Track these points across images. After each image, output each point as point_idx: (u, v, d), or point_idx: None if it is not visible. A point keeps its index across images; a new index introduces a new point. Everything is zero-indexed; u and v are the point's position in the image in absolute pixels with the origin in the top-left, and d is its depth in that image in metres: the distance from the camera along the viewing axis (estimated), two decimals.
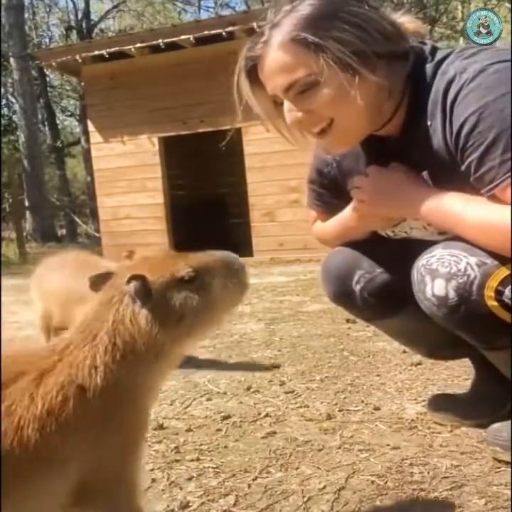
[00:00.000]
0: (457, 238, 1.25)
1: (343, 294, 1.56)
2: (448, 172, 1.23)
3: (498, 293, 1.16)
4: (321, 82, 1.18)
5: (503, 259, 1.17)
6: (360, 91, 1.18)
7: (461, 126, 1.14)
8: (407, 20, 1.28)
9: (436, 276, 1.21)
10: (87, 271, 2.24)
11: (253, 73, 1.26)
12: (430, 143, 1.23)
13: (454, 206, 1.19)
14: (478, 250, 1.19)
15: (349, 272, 1.52)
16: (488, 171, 1.12)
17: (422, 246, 1.33)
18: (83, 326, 0.98)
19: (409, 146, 1.29)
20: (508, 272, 1.16)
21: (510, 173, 1.08)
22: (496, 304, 1.17)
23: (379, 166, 1.33)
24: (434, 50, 1.27)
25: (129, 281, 0.94)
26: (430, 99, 1.22)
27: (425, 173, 1.29)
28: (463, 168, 1.17)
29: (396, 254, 1.46)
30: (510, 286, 1.16)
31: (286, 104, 1.24)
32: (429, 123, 1.22)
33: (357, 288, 1.51)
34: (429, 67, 1.24)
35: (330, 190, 1.54)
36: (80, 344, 0.94)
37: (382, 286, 1.48)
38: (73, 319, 2.29)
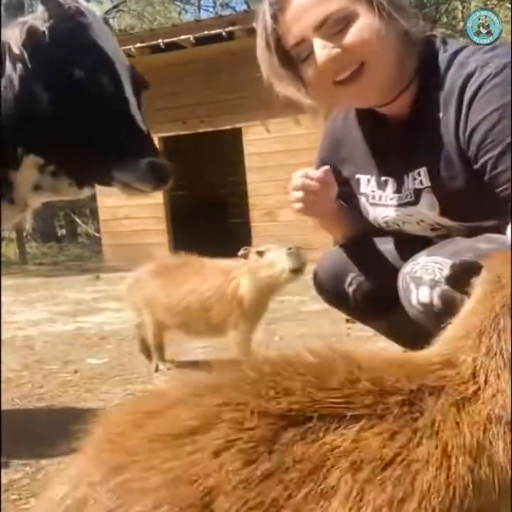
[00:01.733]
0: (443, 244, 1.24)
1: (336, 297, 1.56)
2: (450, 170, 1.22)
3: None
4: (356, 18, 1.14)
5: None
6: (392, 39, 1.16)
7: (481, 122, 1.12)
8: None
9: (421, 283, 1.20)
10: (190, 275, 2.28)
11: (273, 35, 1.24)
12: (438, 136, 1.21)
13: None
14: (462, 256, 1.14)
15: (341, 274, 1.52)
16: (505, 170, 1.10)
17: (414, 247, 1.33)
18: (473, 334, 0.76)
19: (413, 136, 1.27)
20: None
21: None
22: None
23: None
24: (445, 41, 1.24)
25: None
26: (444, 90, 1.18)
27: (423, 170, 1.27)
28: (476, 166, 1.15)
29: (388, 256, 1.46)
30: None
31: (319, 42, 1.17)
32: (440, 115, 1.19)
33: (350, 290, 1.51)
34: (443, 56, 1.20)
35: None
36: (488, 364, 0.71)
37: (374, 289, 1.47)
38: (185, 326, 2.32)
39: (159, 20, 18.86)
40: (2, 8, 12.80)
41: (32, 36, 1.43)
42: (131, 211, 7.56)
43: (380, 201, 1.40)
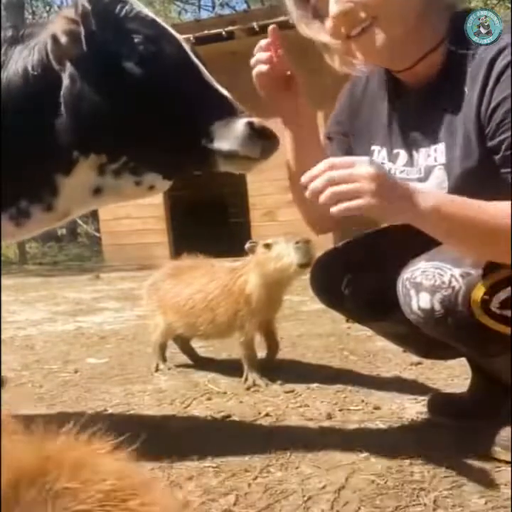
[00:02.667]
0: (441, 249, 1.23)
1: (333, 298, 1.56)
2: (466, 149, 1.19)
3: (485, 302, 1.14)
4: None
5: (489, 269, 1.15)
6: None
7: (505, 99, 1.10)
8: None
9: (421, 289, 1.20)
10: (205, 277, 2.26)
11: None
12: (460, 112, 1.19)
13: (466, 199, 1.08)
14: (462, 261, 1.17)
15: (338, 275, 1.51)
16: None
17: (412, 249, 1.33)
18: None
19: (434, 110, 1.24)
20: (493, 282, 1.14)
21: None
22: (483, 313, 1.15)
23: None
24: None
25: None
26: (473, 64, 1.16)
27: (441, 146, 1.24)
28: (492, 142, 1.14)
29: (386, 257, 1.45)
30: (496, 295, 1.14)
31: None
32: (465, 90, 1.17)
33: (346, 291, 1.50)
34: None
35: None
36: None
37: (370, 290, 1.47)
38: (199, 329, 2.29)
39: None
40: (2, 7, 12.80)
41: (72, 24, 1.28)
42: (131, 211, 7.55)
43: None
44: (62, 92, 1.30)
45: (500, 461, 1.37)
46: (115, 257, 7.60)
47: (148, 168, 1.36)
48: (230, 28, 6.45)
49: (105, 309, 4.16)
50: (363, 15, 1.18)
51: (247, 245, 2.13)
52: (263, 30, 6.49)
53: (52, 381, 2.32)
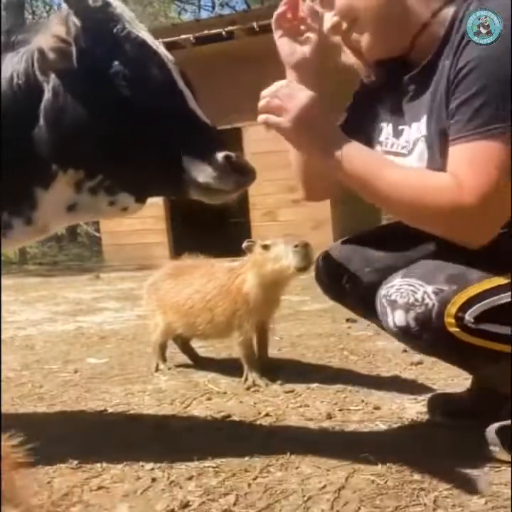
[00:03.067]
0: (419, 264, 1.25)
1: (335, 292, 1.58)
2: (440, 121, 1.21)
3: (459, 319, 1.15)
4: None
5: (462, 285, 1.16)
6: None
7: (461, 68, 1.12)
8: None
9: (396, 307, 1.21)
10: (204, 277, 2.26)
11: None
12: (439, 83, 1.20)
13: (380, 160, 1.21)
14: (435, 278, 1.18)
15: (339, 270, 1.53)
16: (457, 122, 1.12)
17: (412, 248, 1.33)
18: None
19: (424, 83, 1.26)
20: (467, 297, 1.15)
21: (473, 130, 1.09)
22: (458, 329, 1.16)
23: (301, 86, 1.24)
24: None
25: None
26: (455, 36, 1.17)
27: (424, 118, 1.26)
28: (448, 110, 1.16)
29: (386, 254, 1.46)
30: (470, 311, 1.15)
31: (326, 15, 1.28)
32: (446, 61, 1.18)
33: (347, 286, 1.52)
34: (471, 2, 1.17)
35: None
36: None
37: (369, 286, 1.48)
38: (198, 329, 2.28)
39: (159, 19, 18.85)
40: (2, 6, 12.80)
41: (62, 43, 1.28)
42: None
43: (392, 149, 1.37)
44: (43, 104, 1.30)
45: (500, 461, 1.37)
46: (115, 257, 7.60)
47: (122, 188, 1.36)
48: (230, 28, 6.45)
49: (105, 309, 4.16)
50: (346, 21, 1.25)
51: (245, 244, 2.12)
52: (263, 30, 6.51)
53: (52, 381, 2.32)
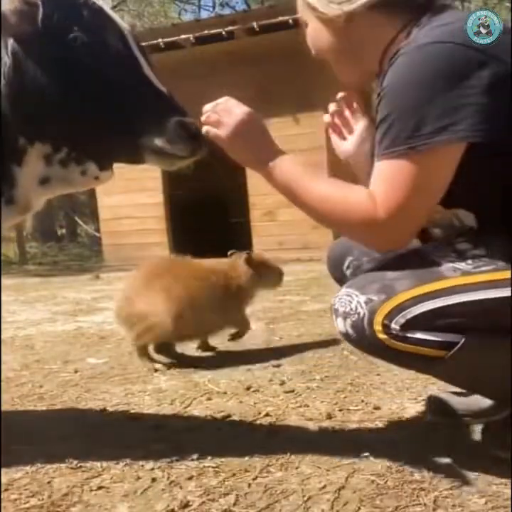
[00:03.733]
0: (364, 275, 1.31)
1: (338, 278, 1.66)
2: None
3: (386, 327, 1.20)
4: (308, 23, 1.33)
5: (389, 295, 1.21)
6: (330, 31, 1.29)
7: (379, 93, 1.19)
8: None
9: (337, 315, 1.27)
10: (192, 276, 2.40)
11: None
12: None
13: (310, 174, 1.29)
14: (369, 288, 1.24)
15: (342, 257, 1.62)
16: (377, 142, 1.20)
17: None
18: None
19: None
20: (391, 307, 1.20)
21: (381, 153, 1.17)
22: (386, 337, 1.21)
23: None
24: (442, 7, 1.23)
25: None
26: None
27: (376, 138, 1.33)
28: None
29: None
30: (396, 319, 1.19)
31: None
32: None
33: (347, 273, 1.59)
34: (417, 28, 1.22)
35: None
36: None
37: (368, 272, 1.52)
38: (204, 326, 2.46)
39: (159, 19, 18.84)
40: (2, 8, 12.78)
41: (25, 5, 1.27)
42: (132, 211, 7.56)
43: None
44: (2, 70, 1.29)
45: (500, 460, 1.37)
46: (115, 257, 7.60)
47: (87, 157, 1.38)
48: (230, 28, 6.45)
49: (105, 309, 4.16)
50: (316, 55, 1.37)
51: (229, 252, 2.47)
52: (263, 30, 6.51)
53: (52, 381, 2.32)
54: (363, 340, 1.24)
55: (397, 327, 1.19)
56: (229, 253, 2.53)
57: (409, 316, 1.19)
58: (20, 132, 1.34)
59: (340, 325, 1.27)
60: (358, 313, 1.23)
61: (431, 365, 1.23)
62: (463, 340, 1.18)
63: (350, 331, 1.25)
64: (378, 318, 1.21)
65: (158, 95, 1.32)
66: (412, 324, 1.19)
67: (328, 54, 1.35)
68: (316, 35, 1.34)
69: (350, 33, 1.28)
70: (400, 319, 1.19)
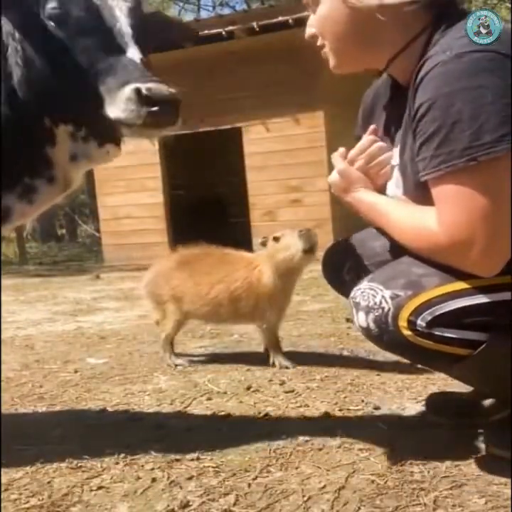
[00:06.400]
0: (384, 269, 1.31)
1: (336, 282, 1.66)
2: (411, 152, 1.25)
3: (411, 323, 1.19)
4: (319, 3, 1.30)
5: (416, 291, 1.20)
6: (351, 16, 1.25)
7: (417, 110, 1.16)
8: None
9: (359, 309, 1.26)
10: (216, 266, 2.43)
11: None
12: (406, 116, 1.26)
13: (387, 206, 1.31)
14: (394, 283, 1.23)
15: (341, 261, 1.62)
16: (422, 160, 1.17)
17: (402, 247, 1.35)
18: None
19: (401, 109, 1.29)
20: (419, 303, 1.19)
21: (436, 168, 1.13)
22: (410, 333, 1.20)
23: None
24: (461, 14, 1.21)
25: None
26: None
27: (397, 147, 1.33)
28: (415, 147, 1.21)
29: (384, 250, 1.51)
30: (422, 316, 1.19)
31: (310, 18, 1.37)
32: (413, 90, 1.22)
33: (347, 278, 1.59)
34: (438, 33, 1.20)
35: None
36: None
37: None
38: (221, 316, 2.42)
39: None
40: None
41: None
42: (132, 211, 7.55)
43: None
44: (16, 57, 1.32)
45: (500, 460, 1.37)
46: (115, 257, 7.59)
47: (90, 133, 1.39)
48: (230, 28, 6.44)
49: (105, 309, 4.16)
50: (317, 34, 1.35)
51: (260, 240, 2.36)
52: (263, 30, 6.51)
53: (52, 381, 2.32)
54: (384, 335, 1.23)
55: (423, 324, 1.18)
56: (260, 240, 2.41)
57: (436, 313, 1.18)
58: (42, 112, 1.37)
59: (362, 319, 1.25)
60: (383, 308, 1.21)
61: (452, 362, 1.22)
62: (490, 338, 1.17)
63: (371, 325, 1.24)
64: (404, 314, 1.19)
65: (128, 63, 1.25)
66: (438, 322, 1.18)
67: (337, 39, 1.31)
68: (331, 17, 1.29)
69: (374, 24, 1.24)
70: (427, 316, 1.18)
